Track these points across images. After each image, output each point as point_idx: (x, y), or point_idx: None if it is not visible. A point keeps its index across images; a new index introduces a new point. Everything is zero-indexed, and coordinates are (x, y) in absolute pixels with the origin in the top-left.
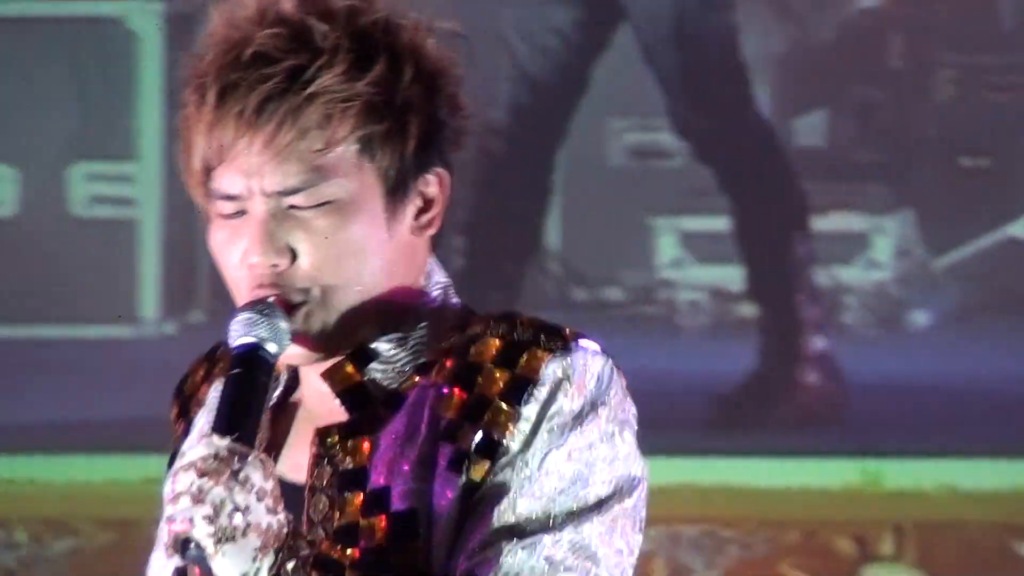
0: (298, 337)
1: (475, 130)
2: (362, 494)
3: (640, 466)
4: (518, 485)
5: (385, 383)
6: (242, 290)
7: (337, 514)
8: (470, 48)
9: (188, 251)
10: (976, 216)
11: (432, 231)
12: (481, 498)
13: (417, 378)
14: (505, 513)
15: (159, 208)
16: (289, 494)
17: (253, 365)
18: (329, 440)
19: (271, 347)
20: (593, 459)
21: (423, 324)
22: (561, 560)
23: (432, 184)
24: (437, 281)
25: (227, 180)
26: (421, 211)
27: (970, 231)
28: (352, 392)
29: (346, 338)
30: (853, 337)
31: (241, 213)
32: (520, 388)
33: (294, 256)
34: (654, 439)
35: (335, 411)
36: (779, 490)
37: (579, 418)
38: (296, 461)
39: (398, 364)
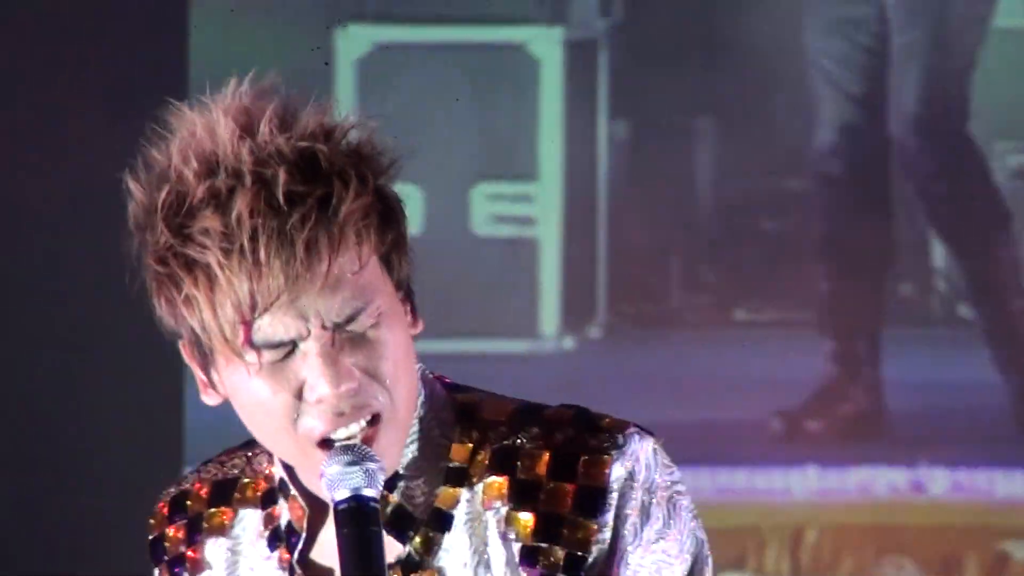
0: None
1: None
2: None
3: (700, 529)
4: None
5: (419, 499)
6: (308, 426)
7: None
8: (788, 76)
9: (587, 269)
10: None
11: (419, 330)
12: None
13: (453, 489)
14: None
15: (558, 227)
16: None
17: (360, 520)
18: None
19: (369, 492)
20: (668, 545)
21: (430, 422)
22: None
23: None
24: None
25: (277, 326)
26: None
27: None
28: (396, 520)
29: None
30: None
31: (289, 352)
32: (593, 500)
33: (365, 375)
34: None
35: None
36: None
37: (645, 510)
38: None
39: (424, 476)
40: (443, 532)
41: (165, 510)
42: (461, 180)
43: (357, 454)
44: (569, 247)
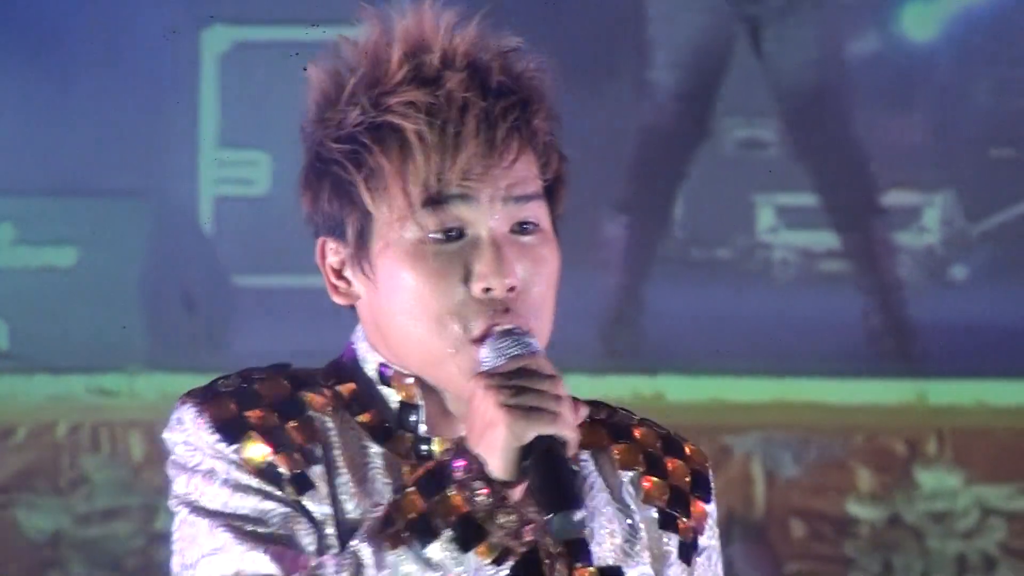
0: None
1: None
2: (590, 569)
3: None
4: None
5: None
6: (468, 320)
7: None
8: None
9: None
10: (1004, 194)
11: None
12: None
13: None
14: None
15: None
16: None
17: None
18: None
19: None
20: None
21: None
22: None
23: None
24: None
25: (457, 203)
26: None
27: (999, 205)
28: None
29: None
30: (908, 287)
31: (458, 237)
32: (705, 484)
33: (523, 285)
34: (755, 364)
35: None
36: (850, 405)
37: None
38: None
39: None
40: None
41: (273, 368)
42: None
43: (518, 336)
44: None
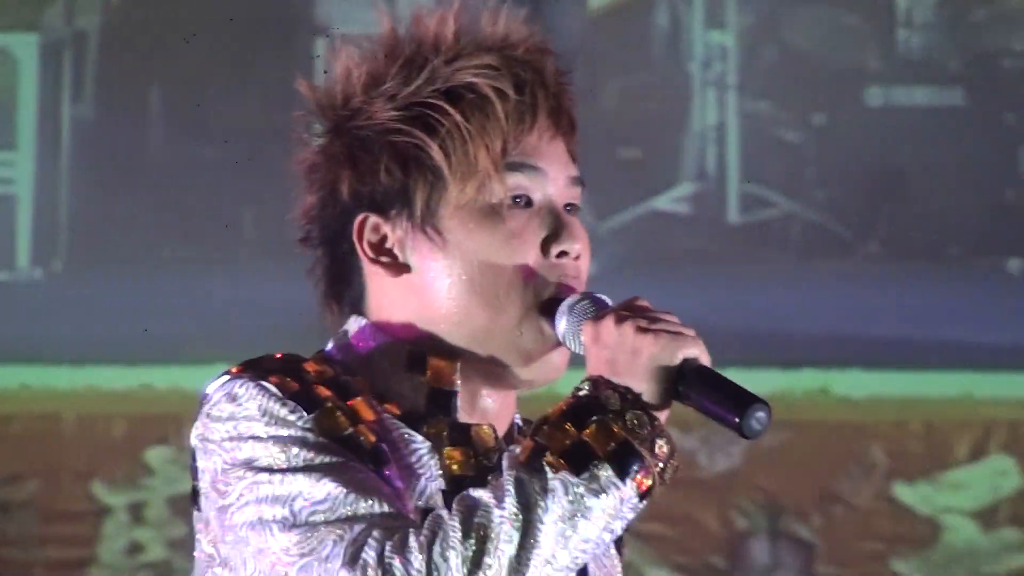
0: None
1: None
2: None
3: None
4: None
5: None
6: (540, 282)
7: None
8: None
9: (52, 217)
10: (630, 193)
11: None
12: None
13: None
14: None
15: (31, 185)
16: None
17: None
18: None
19: None
20: None
21: None
22: None
23: None
24: None
25: (533, 166)
26: None
27: (625, 203)
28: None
29: None
30: None
31: (526, 205)
32: None
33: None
34: None
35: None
36: None
37: None
38: None
39: None
40: None
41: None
42: None
43: (594, 298)
44: (39, 201)
